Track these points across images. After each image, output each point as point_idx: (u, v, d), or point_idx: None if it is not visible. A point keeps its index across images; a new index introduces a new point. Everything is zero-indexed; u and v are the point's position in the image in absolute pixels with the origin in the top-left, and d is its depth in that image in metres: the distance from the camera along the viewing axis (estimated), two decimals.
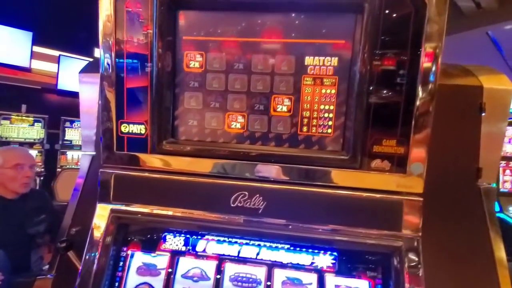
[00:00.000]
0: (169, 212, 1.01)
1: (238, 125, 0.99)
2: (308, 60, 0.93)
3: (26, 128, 5.48)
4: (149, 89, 0.97)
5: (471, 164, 1.08)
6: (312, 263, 0.96)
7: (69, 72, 5.79)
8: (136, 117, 1.00)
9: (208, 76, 0.98)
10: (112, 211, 1.03)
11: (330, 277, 0.95)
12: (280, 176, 0.96)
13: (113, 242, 1.01)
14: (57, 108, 5.97)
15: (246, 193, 0.97)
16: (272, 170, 0.96)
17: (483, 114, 1.07)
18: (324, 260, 0.96)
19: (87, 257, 1.00)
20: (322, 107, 0.94)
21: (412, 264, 0.88)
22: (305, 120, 0.96)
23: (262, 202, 0.96)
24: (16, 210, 2.28)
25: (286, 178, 0.95)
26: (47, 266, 1.26)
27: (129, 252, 1.04)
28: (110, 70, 0.98)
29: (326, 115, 0.95)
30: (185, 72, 0.99)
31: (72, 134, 5.92)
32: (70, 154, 5.89)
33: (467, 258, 1.03)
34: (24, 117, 5.49)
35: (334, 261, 0.96)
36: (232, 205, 0.97)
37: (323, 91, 0.94)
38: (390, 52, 0.86)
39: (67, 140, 5.88)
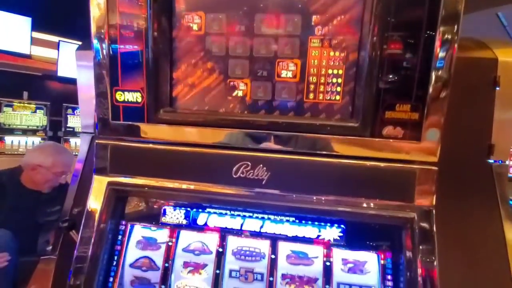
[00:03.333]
0: (168, 184, 0.96)
1: (240, 93, 0.93)
2: (315, 19, 0.86)
3: (28, 116, 5.43)
4: (144, 53, 0.91)
5: (483, 141, 1.03)
6: (319, 236, 0.92)
7: (69, 59, 5.71)
8: (132, 85, 0.94)
9: (208, 40, 0.92)
10: (110, 183, 0.98)
11: (337, 251, 0.91)
12: (285, 146, 0.90)
13: (111, 215, 0.97)
14: (58, 95, 5.91)
15: (249, 163, 0.91)
16: (276, 140, 0.91)
17: (497, 88, 1.00)
18: (331, 233, 0.92)
19: (84, 230, 0.97)
20: (330, 71, 0.88)
21: (424, 236, 0.83)
22: (312, 86, 0.90)
23: (265, 173, 0.91)
24: (31, 199, 2.25)
25: (291, 148, 0.90)
26: (50, 247, 1.24)
27: (128, 225, 1.01)
28: (104, 33, 0.92)
29: (334, 80, 0.88)
30: (182, 35, 0.93)
31: (74, 121, 5.89)
32: (73, 141, 5.87)
33: (477, 237, 0.99)
34: (26, 104, 5.44)
35: (341, 234, 0.91)
36: (234, 176, 0.92)
37: (331, 54, 0.87)
38: (406, 12, 0.79)
39: (69, 127, 5.85)
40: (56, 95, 5.89)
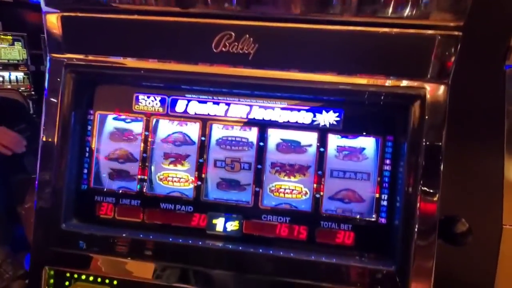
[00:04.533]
0: (138, 63, 0.81)
1: None
2: None
3: (7, 48, 5.05)
4: None
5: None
6: (313, 121, 0.82)
7: None
8: None
9: None
10: (68, 65, 0.83)
11: (332, 137, 0.82)
12: (275, 10, 0.73)
13: (73, 102, 0.84)
14: (35, 26, 5.30)
15: (232, 33, 0.75)
16: (265, 2, 0.73)
17: None
18: (327, 117, 0.81)
19: (46, 120, 0.85)
20: None
21: (434, 116, 0.73)
22: None
23: (252, 45, 0.75)
24: None
25: (282, 12, 0.73)
26: None
27: (97, 114, 0.89)
28: None
29: None
30: None
31: None
32: None
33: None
34: (2, 36, 4.97)
35: (338, 119, 0.81)
36: (215, 50, 0.76)
37: None
38: None
39: None
40: (32, 26, 5.28)
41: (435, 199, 0.73)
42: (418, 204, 0.72)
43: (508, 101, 0.92)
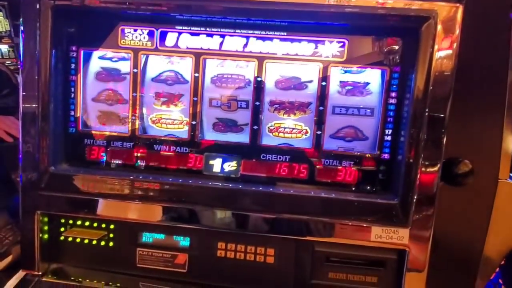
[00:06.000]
0: None
1: None
2: None
3: None
4: None
5: None
6: (315, 53, 0.76)
7: None
8: None
9: None
10: None
11: (335, 70, 0.76)
12: None
13: (53, 39, 0.76)
14: None
15: None
16: None
17: None
18: (330, 48, 0.75)
19: (25, 59, 0.78)
20: None
21: (446, 41, 0.67)
22: None
23: None
24: None
25: None
26: None
27: (81, 51, 0.81)
28: None
29: None
30: None
31: None
32: None
33: None
34: None
35: (342, 49, 0.75)
36: None
37: None
38: None
39: None
40: None
41: (443, 131, 0.70)
42: (425, 136, 0.69)
43: None
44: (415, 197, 0.70)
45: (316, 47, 0.76)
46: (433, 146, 0.69)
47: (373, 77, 0.76)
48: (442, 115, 0.69)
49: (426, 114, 0.69)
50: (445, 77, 0.69)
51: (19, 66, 0.78)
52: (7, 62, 4.85)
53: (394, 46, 0.74)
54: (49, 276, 0.85)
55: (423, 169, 0.70)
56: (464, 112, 0.84)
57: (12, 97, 2.16)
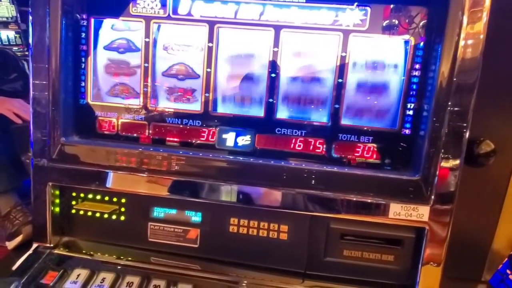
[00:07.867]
0: None
1: None
2: None
3: None
4: None
5: None
6: (335, 21, 0.72)
7: None
8: None
9: None
10: None
11: (356, 40, 0.73)
12: None
13: (63, 6, 0.73)
14: None
15: None
16: None
17: None
18: (351, 16, 0.71)
19: (34, 28, 0.76)
20: None
21: (477, 5, 0.63)
22: None
23: None
24: None
25: None
26: None
27: (91, 20, 0.79)
28: None
29: None
30: None
31: None
32: None
33: None
34: None
35: (364, 17, 0.71)
36: None
37: None
38: None
39: None
40: None
41: (469, 105, 0.66)
42: (450, 109, 0.66)
43: None
44: (437, 172, 0.68)
45: (337, 15, 0.72)
46: (459, 119, 0.66)
47: (396, 48, 0.73)
48: (471, 82, 0.65)
49: (453, 89, 0.65)
50: (474, 48, 0.65)
51: (29, 38, 0.76)
52: (14, 48, 4.87)
53: (419, 15, 0.70)
54: (61, 249, 0.85)
55: (448, 143, 0.67)
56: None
57: (19, 82, 2.16)
